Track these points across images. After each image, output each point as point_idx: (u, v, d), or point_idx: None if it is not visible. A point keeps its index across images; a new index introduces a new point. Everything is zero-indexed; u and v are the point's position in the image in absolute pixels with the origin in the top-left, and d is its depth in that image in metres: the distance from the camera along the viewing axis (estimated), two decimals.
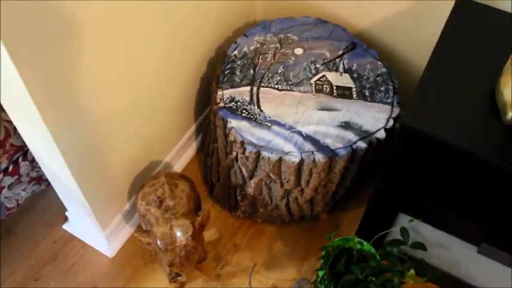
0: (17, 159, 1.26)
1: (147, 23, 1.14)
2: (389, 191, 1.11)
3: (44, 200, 1.52)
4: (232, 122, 1.26)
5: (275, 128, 1.26)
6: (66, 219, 1.47)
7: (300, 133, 1.25)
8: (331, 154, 1.23)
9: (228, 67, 1.37)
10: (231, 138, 1.26)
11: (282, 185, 1.31)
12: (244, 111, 1.29)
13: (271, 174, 1.27)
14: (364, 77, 1.37)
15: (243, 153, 1.26)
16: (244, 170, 1.31)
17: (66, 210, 1.42)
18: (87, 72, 1.01)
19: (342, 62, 1.40)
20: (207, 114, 1.63)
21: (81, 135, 1.09)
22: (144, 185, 1.26)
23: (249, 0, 1.60)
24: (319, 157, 1.22)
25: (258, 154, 1.24)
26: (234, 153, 1.29)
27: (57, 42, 0.90)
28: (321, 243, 1.44)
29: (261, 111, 1.29)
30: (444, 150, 0.96)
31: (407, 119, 0.94)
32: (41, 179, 1.35)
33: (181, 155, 1.57)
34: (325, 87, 1.34)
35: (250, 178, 1.32)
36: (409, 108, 0.97)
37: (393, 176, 1.10)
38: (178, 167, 1.57)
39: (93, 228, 1.35)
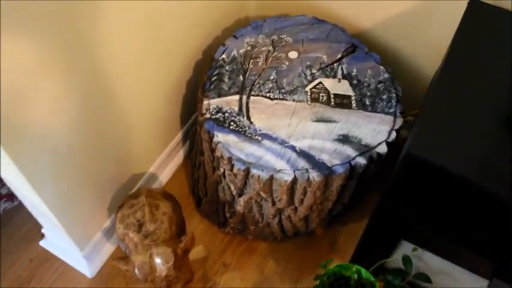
0: None
1: (120, 21, 1.02)
2: (391, 217, 1.01)
3: (19, 213, 1.41)
4: (219, 136, 1.15)
5: (266, 142, 1.15)
6: (43, 235, 1.37)
7: (293, 148, 1.14)
8: (327, 172, 1.12)
9: (215, 73, 1.25)
10: (218, 153, 1.15)
11: (273, 203, 1.20)
12: (232, 124, 1.17)
13: (261, 193, 1.17)
14: (365, 84, 1.25)
15: (231, 170, 1.15)
16: (232, 187, 1.20)
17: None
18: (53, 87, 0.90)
19: (340, 66, 1.28)
20: (194, 119, 1.51)
21: (50, 162, 0.98)
22: (123, 205, 1.15)
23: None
24: (314, 175, 1.11)
25: (247, 171, 1.13)
26: (222, 170, 1.18)
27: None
28: (316, 260, 1.34)
29: (251, 123, 1.17)
30: (453, 178, 0.85)
31: (413, 147, 0.83)
32: (13, 195, 1.25)
33: (167, 164, 1.47)
34: (322, 96, 1.23)
35: (239, 195, 1.22)
36: (415, 133, 0.86)
37: (395, 202, 0.99)
38: (164, 177, 1.46)
39: (71, 248, 1.25)
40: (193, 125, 1.50)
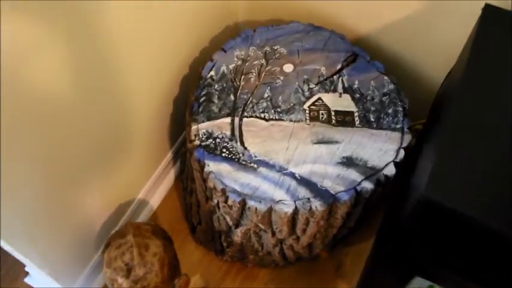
0: None
1: (93, 34, 0.90)
2: (401, 255, 0.91)
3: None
4: (211, 165, 1.04)
5: (262, 170, 1.05)
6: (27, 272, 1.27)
7: (292, 175, 1.04)
8: (331, 200, 1.02)
9: (203, 93, 1.14)
10: (210, 184, 1.04)
11: (273, 234, 1.11)
12: (224, 150, 1.06)
13: (260, 225, 1.07)
14: (368, 98, 1.14)
15: (225, 202, 1.05)
16: (228, 218, 1.10)
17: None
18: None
19: (340, 79, 1.17)
20: (184, 137, 1.41)
21: (25, 205, 0.88)
22: (110, 244, 1.06)
23: (229, 0, 1.34)
24: (317, 205, 1.01)
25: (243, 203, 1.03)
26: (215, 201, 1.08)
27: None
28: (321, 286, 1.25)
29: (245, 148, 1.07)
30: (471, 222, 0.76)
31: (428, 189, 0.73)
32: None
33: (157, 187, 1.36)
34: (322, 114, 1.12)
35: (236, 226, 1.12)
36: (431, 175, 0.75)
37: (406, 239, 0.89)
38: (154, 201, 1.36)
39: (57, 286, 1.16)
40: (183, 143, 1.40)
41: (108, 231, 1.22)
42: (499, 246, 0.76)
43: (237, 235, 1.14)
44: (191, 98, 1.14)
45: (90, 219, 1.12)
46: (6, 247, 0.94)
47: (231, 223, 1.11)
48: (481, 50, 0.92)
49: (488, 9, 0.98)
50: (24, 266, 1.24)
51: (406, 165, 1.11)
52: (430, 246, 0.86)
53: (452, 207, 0.71)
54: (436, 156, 0.78)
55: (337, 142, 1.08)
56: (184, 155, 1.34)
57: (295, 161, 1.05)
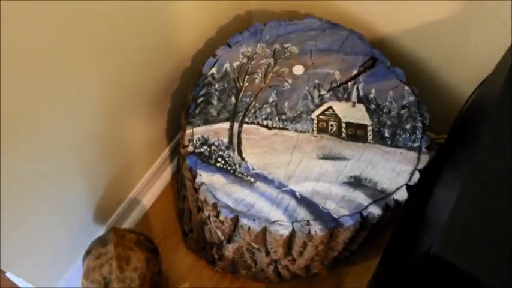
0: None
1: (87, 18, 0.80)
2: None
3: None
4: (203, 176, 0.95)
5: (260, 185, 0.94)
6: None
7: (292, 193, 0.94)
8: (332, 224, 0.92)
9: (202, 93, 1.03)
10: (201, 197, 0.95)
11: (267, 253, 1.01)
12: (219, 160, 0.96)
13: (253, 244, 0.98)
14: (385, 110, 1.02)
15: (217, 216, 0.95)
16: (219, 233, 1.01)
17: None
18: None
19: (355, 86, 1.05)
20: None
21: None
22: (90, 252, 0.98)
23: None
24: (317, 229, 0.91)
25: (235, 220, 0.93)
26: (206, 214, 0.99)
27: None
28: None
29: (243, 159, 0.97)
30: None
31: (440, 248, 0.62)
32: None
33: (152, 185, 1.27)
34: (331, 125, 1.01)
35: (228, 241, 1.03)
36: (445, 230, 0.64)
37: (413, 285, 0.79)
38: (148, 200, 1.27)
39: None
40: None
41: (94, 232, 1.14)
42: None
43: (229, 250, 1.05)
44: (189, 97, 1.03)
45: (78, 214, 1.04)
46: None
47: (222, 238, 1.02)
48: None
49: None
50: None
51: (422, 183, 1.00)
52: None
53: (465, 269, 0.61)
54: (455, 201, 0.66)
55: (345, 159, 0.97)
56: (180, 153, 1.25)
57: (297, 178, 0.95)
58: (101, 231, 1.17)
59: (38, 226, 0.94)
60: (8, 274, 1.21)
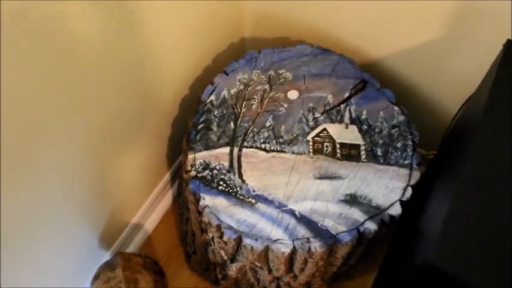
0: None
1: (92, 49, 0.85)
2: None
3: None
4: (206, 199, 0.99)
5: (261, 206, 0.99)
6: None
7: (292, 213, 0.98)
8: (331, 241, 0.96)
9: (202, 120, 1.08)
10: (205, 219, 0.99)
11: (270, 271, 1.05)
12: (221, 183, 1.01)
13: (256, 263, 1.02)
14: (376, 130, 1.08)
15: (220, 237, 1.00)
16: (223, 253, 1.05)
17: None
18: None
19: (348, 108, 1.10)
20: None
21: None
22: (98, 276, 1.01)
23: (235, 17, 1.28)
24: (316, 246, 0.95)
25: (239, 240, 0.98)
26: (210, 235, 1.03)
27: None
28: None
29: (243, 182, 1.01)
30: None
31: (436, 257, 0.67)
32: None
33: (153, 210, 1.31)
34: (326, 146, 1.06)
35: (232, 261, 1.07)
36: (440, 239, 0.69)
37: None
38: (150, 224, 1.31)
39: None
40: (181, 165, 1.34)
41: (99, 258, 1.18)
42: None
43: (232, 270, 1.09)
44: (189, 124, 1.08)
45: (83, 242, 1.08)
46: None
47: (226, 258, 1.06)
48: (502, 87, 0.85)
49: (510, 44, 0.91)
50: None
51: (414, 198, 1.05)
52: None
53: (460, 277, 0.65)
54: (446, 213, 0.71)
55: (340, 178, 1.02)
56: (183, 177, 1.29)
57: (296, 197, 1.00)
58: (105, 257, 1.20)
59: (44, 255, 0.97)
60: None
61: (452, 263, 0.66)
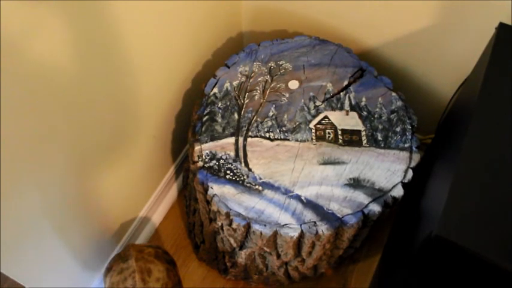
0: None
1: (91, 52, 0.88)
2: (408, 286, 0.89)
3: None
4: (214, 188, 1.02)
5: (267, 192, 1.02)
6: None
7: (298, 198, 1.01)
8: (337, 224, 0.99)
9: (206, 112, 1.11)
10: (214, 208, 1.02)
11: (278, 256, 1.08)
12: (228, 172, 1.04)
13: (265, 248, 1.05)
14: (376, 116, 1.11)
15: (230, 225, 1.02)
16: (232, 241, 1.08)
17: None
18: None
19: (347, 96, 1.14)
20: (187, 152, 1.38)
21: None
22: (112, 268, 1.04)
23: (233, 12, 1.31)
24: (323, 229, 0.99)
25: (247, 227, 1.00)
26: (219, 223, 1.06)
27: None
28: None
29: (250, 170, 1.04)
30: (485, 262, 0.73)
31: (441, 228, 0.70)
32: None
33: (160, 203, 1.34)
34: (328, 133, 1.09)
35: (241, 248, 1.10)
36: (444, 212, 0.72)
37: (414, 272, 0.87)
38: (157, 217, 1.34)
39: None
40: (185, 158, 1.37)
41: (110, 250, 1.20)
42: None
43: (241, 257, 1.12)
44: (194, 116, 1.11)
45: (90, 239, 1.10)
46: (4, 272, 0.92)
47: (235, 245, 1.09)
48: (496, 70, 0.89)
49: (502, 27, 0.95)
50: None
51: (415, 182, 1.08)
52: (439, 280, 0.84)
53: (465, 247, 0.69)
54: (449, 190, 0.75)
55: (344, 163, 1.06)
56: (187, 171, 1.31)
57: (301, 183, 1.03)
58: (115, 251, 1.23)
59: (61, 242, 1.00)
60: None
61: (456, 234, 0.70)
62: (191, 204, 1.21)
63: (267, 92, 1.14)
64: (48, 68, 0.75)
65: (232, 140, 1.07)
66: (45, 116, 0.78)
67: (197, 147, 1.06)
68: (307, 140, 1.08)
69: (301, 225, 0.99)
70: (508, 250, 0.68)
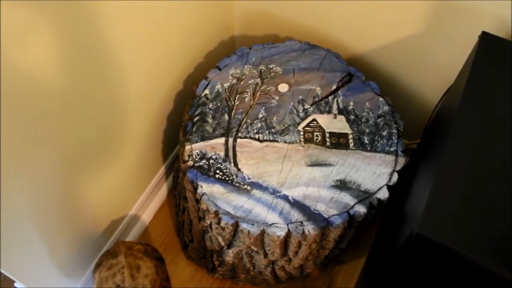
0: None
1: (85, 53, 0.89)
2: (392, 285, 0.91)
3: None
4: (204, 187, 1.04)
5: (256, 192, 1.04)
6: None
7: (286, 198, 1.04)
8: (323, 224, 1.02)
9: (197, 112, 1.13)
10: (203, 206, 1.04)
11: (265, 255, 1.10)
12: (218, 172, 1.06)
13: (252, 247, 1.07)
14: (363, 119, 1.14)
15: (218, 223, 1.04)
16: (220, 239, 1.10)
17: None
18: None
19: (336, 100, 1.17)
20: (177, 152, 1.40)
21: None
22: (101, 264, 1.05)
23: (225, 16, 1.33)
24: (310, 228, 1.01)
25: (236, 225, 1.02)
26: (208, 222, 1.08)
27: None
28: None
29: (239, 170, 1.06)
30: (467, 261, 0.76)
31: (422, 227, 0.73)
32: None
33: (150, 202, 1.35)
34: (316, 136, 1.12)
35: (228, 247, 1.12)
36: (425, 211, 0.75)
37: (397, 271, 0.89)
38: (147, 216, 1.35)
39: None
40: (176, 158, 1.39)
41: (99, 248, 1.21)
42: (493, 285, 0.76)
43: (229, 255, 1.13)
44: (185, 117, 1.13)
45: (81, 235, 1.11)
46: None
47: (223, 243, 1.11)
48: (478, 77, 0.92)
49: (485, 36, 0.99)
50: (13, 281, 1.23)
51: (400, 185, 1.11)
52: (422, 280, 0.86)
53: (446, 246, 0.71)
54: (430, 190, 0.78)
55: (331, 165, 1.08)
56: (177, 171, 1.33)
57: (289, 184, 1.05)
58: (104, 248, 1.24)
59: (51, 238, 1.01)
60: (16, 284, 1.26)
61: (437, 233, 0.72)
62: (181, 203, 1.23)
63: (257, 95, 1.16)
64: (34, 70, 0.76)
65: (222, 140, 1.10)
66: (32, 117, 0.80)
67: (188, 147, 1.08)
68: (296, 142, 1.11)
69: (288, 224, 1.01)
70: (487, 248, 0.71)
